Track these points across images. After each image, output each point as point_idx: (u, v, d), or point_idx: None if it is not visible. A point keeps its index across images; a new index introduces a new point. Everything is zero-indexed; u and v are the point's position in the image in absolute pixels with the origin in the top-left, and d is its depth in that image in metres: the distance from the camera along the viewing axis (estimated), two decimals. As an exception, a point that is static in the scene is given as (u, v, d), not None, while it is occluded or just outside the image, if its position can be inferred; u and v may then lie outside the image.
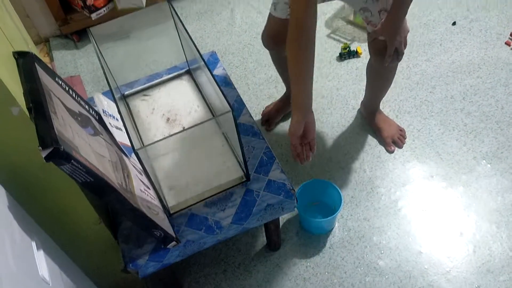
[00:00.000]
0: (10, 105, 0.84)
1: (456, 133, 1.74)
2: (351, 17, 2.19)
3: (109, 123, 1.20)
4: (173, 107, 1.44)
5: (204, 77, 1.37)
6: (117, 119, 1.29)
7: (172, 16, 1.35)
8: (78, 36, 2.28)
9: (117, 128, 1.24)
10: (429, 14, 2.19)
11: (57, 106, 0.94)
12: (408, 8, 1.31)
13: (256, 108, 1.91)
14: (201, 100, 1.46)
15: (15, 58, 0.96)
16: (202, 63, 1.19)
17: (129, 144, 1.23)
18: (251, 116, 1.44)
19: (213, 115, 1.39)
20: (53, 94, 0.97)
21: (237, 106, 1.47)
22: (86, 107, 1.14)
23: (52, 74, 1.03)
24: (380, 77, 1.62)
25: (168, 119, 1.40)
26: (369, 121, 1.79)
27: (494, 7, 2.18)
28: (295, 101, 1.23)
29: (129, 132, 1.03)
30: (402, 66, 1.99)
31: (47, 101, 0.90)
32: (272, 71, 2.00)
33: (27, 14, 2.15)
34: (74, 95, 1.10)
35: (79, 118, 1.05)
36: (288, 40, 1.17)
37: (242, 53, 2.14)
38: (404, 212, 1.56)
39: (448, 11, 2.18)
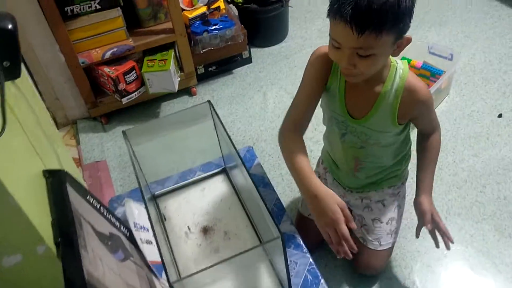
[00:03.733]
0: (36, 244, 0.73)
1: (513, 241, 1.58)
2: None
3: (140, 238, 1.08)
4: (209, 212, 1.33)
5: (242, 178, 1.27)
6: (147, 230, 1.17)
7: (212, 114, 1.27)
8: (107, 118, 2.23)
9: (147, 242, 1.12)
10: (472, 104, 2.09)
11: (87, 236, 0.83)
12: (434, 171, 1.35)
13: (291, 203, 1.78)
14: (238, 205, 1.34)
15: (45, 177, 0.87)
16: (240, 162, 1.09)
17: (159, 260, 1.10)
18: (293, 224, 1.31)
19: (255, 230, 1.27)
20: (83, 219, 0.86)
21: (277, 212, 1.35)
22: (117, 224, 1.03)
23: (84, 192, 0.93)
24: None
25: (204, 229, 1.28)
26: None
27: (541, 99, 2.08)
28: (308, 187, 1.08)
29: (161, 251, 0.91)
30: (448, 160, 1.86)
31: (78, 231, 0.79)
32: (307, 163, 1.89)
33: (56, 96, 2.11)
34: (105, 213, 0.99)
35: (109, 242, 0.93)
36: (284, 136, 1.20)
37: (275, 140, 2.05)
38: (462, 336, 1.37)
39: (492, 102, 2.08)
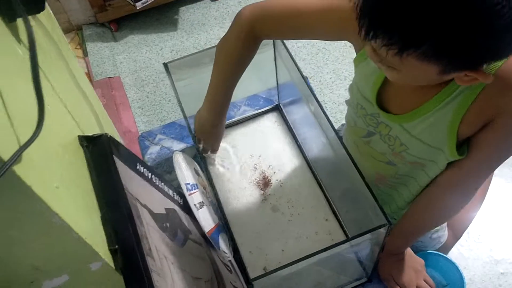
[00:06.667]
0: (89, 262, 0.51)
1: None
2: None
3: (194, 205, 0.87)
4: (263, 160, 1.11)
5: (303, 116, 1.04)
6: (197, 187, 0.95)
7: (273, 44, 1.01)
8: (117, 24, 1.90)
9: (201, 205, 0.90)
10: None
11: (148, 231, 0.61)
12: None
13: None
14: (296, 149, 1.12)
15: (82, 146, 0.62)
16: (309, 92, 0.87)
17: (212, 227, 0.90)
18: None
19: (317, 178, 1.05)
20: (139, 203, 0.63)
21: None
22: (170, 193, 0.81)
23: (132, 160, 0.69)
24: None
25: (263, 181, 1.07)
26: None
27: None
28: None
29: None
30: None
31: (139, 230, 0.57)
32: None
33: (58, -3, 1.77)
34: (157, 182, 0.76)
35: (168, 224, 0.72)
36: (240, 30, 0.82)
37: (315, 61, 1.78)
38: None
39: None
